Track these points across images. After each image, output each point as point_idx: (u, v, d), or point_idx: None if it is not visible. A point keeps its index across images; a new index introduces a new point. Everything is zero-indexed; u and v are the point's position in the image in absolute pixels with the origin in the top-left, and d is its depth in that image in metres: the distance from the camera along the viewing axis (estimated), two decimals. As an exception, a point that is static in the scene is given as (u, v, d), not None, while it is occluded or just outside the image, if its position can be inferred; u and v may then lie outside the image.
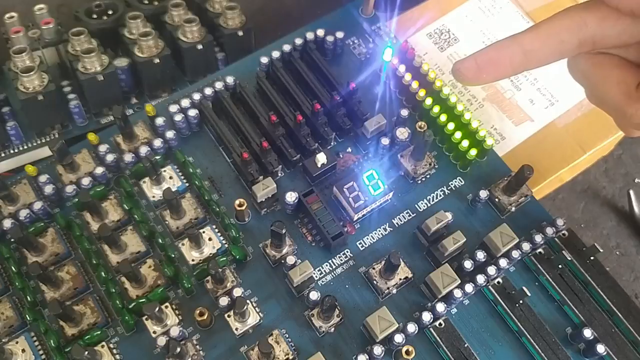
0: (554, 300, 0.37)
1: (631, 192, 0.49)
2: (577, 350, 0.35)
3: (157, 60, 0.42)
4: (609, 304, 0.36)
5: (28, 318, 0.34)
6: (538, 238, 0.37)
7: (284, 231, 0.34)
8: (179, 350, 0.31)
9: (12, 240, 0.35)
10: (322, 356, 0.33)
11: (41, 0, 0.48)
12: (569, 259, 0.36)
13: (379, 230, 0.38)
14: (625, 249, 0.49)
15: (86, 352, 0.31)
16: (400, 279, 0.36)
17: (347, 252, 0.38)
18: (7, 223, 0.36)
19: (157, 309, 0.32)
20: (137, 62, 0.42)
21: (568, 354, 0.35)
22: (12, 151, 0.42)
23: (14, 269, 0.35)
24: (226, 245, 0.37)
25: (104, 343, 0.34)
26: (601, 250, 0.36)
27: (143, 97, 0.45)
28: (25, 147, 0.42)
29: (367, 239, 0.38)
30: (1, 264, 0.36)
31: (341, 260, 0.37)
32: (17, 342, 0.34)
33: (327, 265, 0.37)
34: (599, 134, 0.45)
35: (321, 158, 0.38)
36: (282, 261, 0.36)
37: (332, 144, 0.41)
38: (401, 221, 0.39)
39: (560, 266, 0.37)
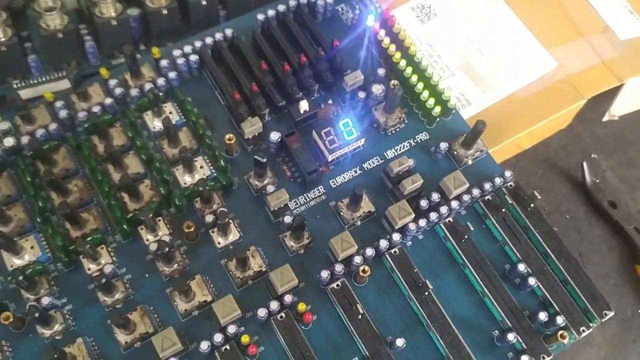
0: (496, 241, 0.42)
1: (584, 163, 0.54)
2: (514, 285, 0.41)
3: (165, 12, 0.47)
4: (544, 246, 0.41)
5: (38, 220, 0.39)
6: (487, 186, 0.42)
7: (265, 160, 0.39)
8: (168, 251, 0.37)
9: (29, 154, 0.41)
10: (290, 267, 0.38)
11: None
12: (512, 203, 0.42)
13: (350, 172, 0.44)
14: (575, 215, 0.54)
15: (88, 246, 0.36)
16: (364, 212, 0.41)
17: (321, 188, 0.43)
18: (25, 139, 0.41)
19: (150, 215, 0.37)
20: (147, 12, 0.47)
21: (504, 285, 0.40)
22: (32, 81, 0.47)
23: (28, 178, 0.40)
24: (215, 173, 0.42)
25: (103, 246, 0.39)
26: (539, 197, 0.41)
27: (151, 45, 0.50)
28: (44, 79, 0.47)
29: (340, 178, 0.43)
30: (17, 175, 0.41)
31: (314, 194, 0.43)
32: (27, 240, 0.39)
33: (302, 197, 0.42)
34: (555, 106, 0.50)
35: (304, 105, 0.43)
36: (263, 191, 0.41)
37: (315, 95, 0.46)
38: (370, 166, 0.44)
39: (503, 210, 0.42)
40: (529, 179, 0.55)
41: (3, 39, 0.43)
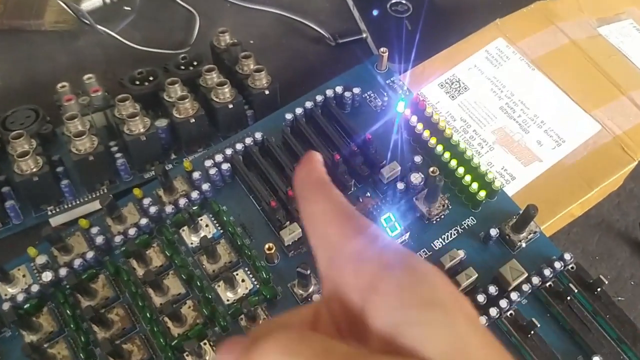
0: (565, 330, 0.39)
1: (643, 224, 0.51)
2: (590, 378, 0.38)
3: (193, 120, 0.47)
4: (617, 332, 0.38)
5: (82, 356, 0.38)
6: (547, 272, 0.39)
7: (309, 272, 0.38)
8: (217, 382, 0.35)
9: (68, 286, 0.40)
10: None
11: (88, 69, 0.54)
12: (577, 290, 0.39)
13: (398, 269, 0.42)
14: (641, 280, 0.50)
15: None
16: (418, 314, 0.39)
17: (369, 289, 0.41)
18: (63, 271, 0.40)
19: (196, 345, 0.36)
20: (175, 122, 0.47)
21: (580, 381, 0.37)
22: (65, 206, 0.47)
23: (69, 312, 0.39)
24: (257, 286, 0.40)
25: (150, 378, 0.37)
26: (606, 282, 0.38)
27: (181, 152, 0.50)
28: (78, 202, 0.47)
29: (387, 277, 0.41)
30: (57, 308, 0.40)
31: (363, 297, 0.41)
32: (73, 379, 0.38)
33: (350, 302, 0.40)
34: (605, 171, 0.47)
35: (342, 203, 0.42)
36: (309, 299, 0.39)
37: (352, 189, 0.45)
38: (418, 259, 0.42)
39: (569, 298, 0.39)
40: (585, 246, 0.52)
41: (35, 169, 0.43)
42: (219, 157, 0.44)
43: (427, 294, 0.18)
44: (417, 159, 0.44)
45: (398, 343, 0.17)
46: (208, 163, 0.44)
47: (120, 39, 0.58)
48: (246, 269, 0.41)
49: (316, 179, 0.22)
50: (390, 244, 0.19)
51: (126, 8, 0.64)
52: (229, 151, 0.45)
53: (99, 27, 0.57)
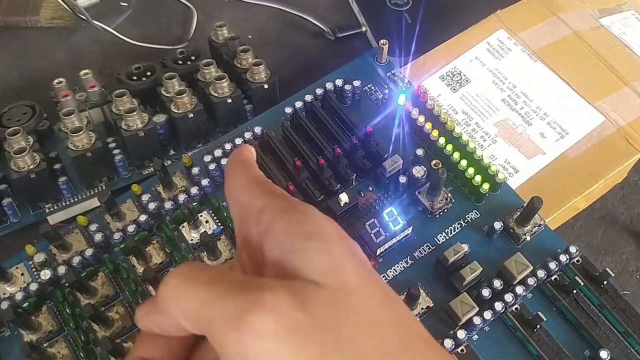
0: (571, 324, 0.38)
1: (648, 217, 0.50)
2: (597, 372, 0.37)
3: (191, 115, 0.46)
4: (624, 326, 0.37)
5: (82, 355, 0.38)
6: (552, 265, 0.39)
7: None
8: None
9: (67, 284, 0.39)
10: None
11: (85, 65, 0.53)
12: (583, 284, 0.38)
13: (401, 263, 0.41)
14: (646, 273, 0.50)
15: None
16: (422, 309, 0.38)
17: (372, 284, 0.40)
18: (62, 269, 0.39)
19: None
20: (173, 118, 0.47)
21: (587, 375, 0.36)
22: (63, 204, 0.46)
23: (68, 311, 0.39)
24: (259, 282, 0.40)
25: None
26: (612, 274, 0.38)
27: (180, 148, 0.49)
28: (76, 199, 0.46)
29: (390, 271, 0.41)
30: (56, 307, 0.40)
31: (366, 292, 0.40)
32: (72, 378, 0.37)
33: (353, 297, 0.40)
34: (609, 162, 0.47)
35: (344, 197, 0.41)
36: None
37: (353, 184, 0.44)
38: (421, 254, 0.41)
39: (575, 291, 0.38)
40: (589, 239, 0.51)
41: (32, 166, 0.43)
42: (218, 152, 0.44)
43: (311, 228, 0.21)
44: (419, 152, 0.43)
45: (284, 270, 0.20)
46: (207, 158, 0.43)
47: (117, 34, 0.57)
48: (247, 265, 0.40)
49: (238, 160, 0.25)
50: (290, 198, 0.22)
51: (123, 4, 0.63)
52: (228, 146, 0.44)
53: (95, 22, 0.57)
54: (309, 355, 0.18)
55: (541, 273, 0.39)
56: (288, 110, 0.45)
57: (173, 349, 0.23)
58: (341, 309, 0.19)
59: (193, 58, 0.52)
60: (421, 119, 0.44)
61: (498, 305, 0.37)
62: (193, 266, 0.21)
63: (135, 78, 0.50)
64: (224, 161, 0.43)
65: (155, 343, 0.23)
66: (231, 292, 0.19)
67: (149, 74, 0.50)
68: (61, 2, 0.57)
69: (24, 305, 0.39)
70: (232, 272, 0.21)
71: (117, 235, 0.41)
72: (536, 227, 0.41)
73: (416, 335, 0.21)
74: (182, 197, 0.42)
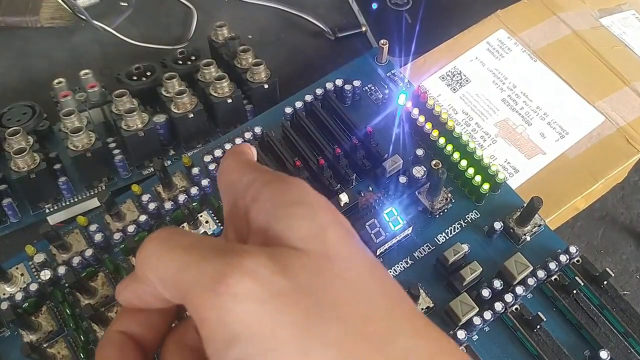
0: (571, 325, 0.38)
1: (648, 217, 0.50)
2: (597, 372, 0.37)
3: (191, 115, 0.46)
4: (625, 326, 0.37)
5: (82, 356, 0.38)
6: (552, 265, 0.39)
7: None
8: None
9: (67, 285, 0.39)
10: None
11: (85, 65, 0.53)
12: (583, 284, 0.38)
13: (401, 264, 0.41)
14: (646, 273, 0.50)
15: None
16: (422, 309, 0.38)
17: (372, 285, 0.40)
18: (62, 269, 0.39)
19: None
20: (173, 118, 0.47)
21: (587, 375, 0.36)
22: (63, 204, 0.46)
23: (68, 311, 0.39)
24: (259, 283, 0.40)
25: (150, 376, 0.37)
26: (612, 275, 0.38)
27: (180, 148, 0.49)
28: (76, 199, 0.46)
29: (390, 272, 0.41)
30: (56, 307, 0.40)
31: (366, 292, 0.40)
32: (72, 378, 0.37)
33: (353, 298, 0.40)
34: (609, 163, 0.47)
35: (344, 198, 0.41)
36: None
37: (353, 184, 0.44)
38: (421, 254, 0.41)
39: (575, 291, 0.38)
40: (589, 240, 0.51)
41: (32, 167, 0.43)
42: (218, 153, 0.44)
43: (295, 196, 0.21)
44: (419, 152, 0.43)
45: (267, 237, 0.20)
46: (207, 158, 0.43)
47: (117, 34, 0.57)
48: (247, 265, 0.40)
49: (234, 150, 0.25)
50: (279, 173, 0.22)
51: (123, 3, 0.63)
52: (228, 146, 0.44)
53: (95, 22, 0.57)
54: (290, 320, 0.17)
55: (541, 273, 0.39)
56: (288, 110, 0.45)
57: (153, 323, 0.23)
58: (324, 275, 0.19)
59: (193, 58, 0.52)
60: (421, 119, 0.44)
61: (498, 306, 0.37)
62: (172, 230, 0.20)
63: (135, 78, 0.50)
64: (224, 161, 0.43)
65: (135, 316, 0.22)
66: (210, 257, 0.19)
67: (149, 74, 0.50)
68: (61, 2, 0.57)
69: (24, 305, 0.39)
70: (213, 238, 0.20)
71: (117, 236, 0.41)
72: (536, 227, 0.41)
73: (401, 304, 0.20)
74: (182, 198, 0.42)
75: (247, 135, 0.44)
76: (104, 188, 0.47)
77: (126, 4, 0.62)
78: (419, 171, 0.42)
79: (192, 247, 0.19)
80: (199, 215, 0.42)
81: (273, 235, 0.20)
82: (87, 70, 0.49)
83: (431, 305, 0.39)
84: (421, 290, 0.39)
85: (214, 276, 0.18)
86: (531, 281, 0.38)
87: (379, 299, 0.19)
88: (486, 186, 0.41)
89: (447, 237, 0.42)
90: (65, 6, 0.57)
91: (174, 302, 0.20)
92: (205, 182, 0.43)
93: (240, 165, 0.23)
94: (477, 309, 0.37)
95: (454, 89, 0.51)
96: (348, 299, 0.19)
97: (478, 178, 0.42)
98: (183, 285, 0.19)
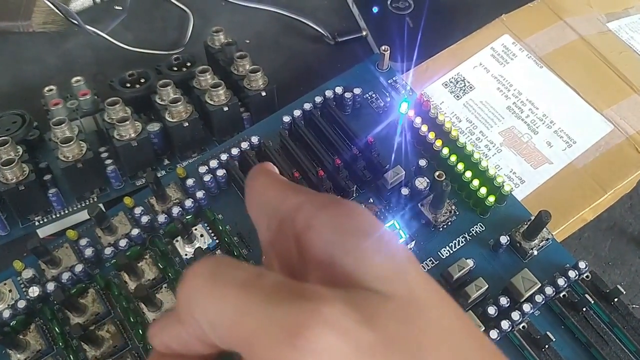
0: (580, 343, 0.37)
1: (658, 228, 0.49)
2: (608, 393, 0.36)
3: (186, 124, 0.45)
4: (636, 345, 0.36)
5: (72, 376, 0.36)
6: (561, 282, 0.37)
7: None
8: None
9: (56, 303, 0.38)
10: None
11: (77, 71, 0.52)
12: (592, 301, 0.37)
13: (404, 279, 0.39)
14: (656, 286, 0.48)
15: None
16: (425, 327, 0.37)
17: (373, 301, 0.39)
18: (51, 286, 0.38)
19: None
20: (167, 127, 0.45)
21: (598, 397, 0.35)
22: (54, 216, 0.45)
23: (57, 329, 0.37)
24: (256, 299, 0.38)
25: (142, 398, 0.35)
26: (624, 292, 0.36)
27: (174, 158, 0.48)
28: (67, 211, 0.45)
29: (392, 287, 0.39)
30: (45, 325, 0.38)
31: (367, 309, 0.38)
32: (61, 400, 0.36)
33: (354, 315, 0.38)
34: (618, 173, 0.45)
35: (344, 211, 0.40)
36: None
37: (354, 195, 0.42)
38: (425, 269, 0.40)
39: (584, 309, 0.37)
40: (597, 251, 0.50)
41: (21, 178, 0.41)
42: (213, 163, 0.42)
43: (361, 224, 0.18)
44: (422, 162, 0.42)
45: (334, 274, 0.17)
46: (202, 169, 0.42)
47: (111, 39, 0.56)
48: (243, 281, 0.39)
49: (260, 168, 0.23)
50: (324, 194, 0.20)
51: (117, 8, 0.61)
52: (224, 156, 0.42)
53: (88, 27, 0.55)
54: None
55: (549, 290, 0.37)
56: (286, 119, 0.44)
57: None
58: (415, 323, 0.16)
59: (188, 64, 0.50)
60: (424, 128, 0.43)
61: (505, 324, 0.36)
62: (220, 261, 0.17)
63: (128, 85, 0.48)
64: (219, 172, 0.42)
65: None
66: (277, 300, 0.15)
67: (142, 81, 0.49)
68: (53, 6, 0.55)
69: (11, 323, 0.37)
70: (271, 273, 0.17)
71: (108, 250, 0.39)
72: (544, 241, 0.40)
73: (487, 348, 0.18)
74: (176, 210, 0.41)
75: (244, 144, 0.43)
76: (95, 200, 0.45)
77: (120, 8, 0.61)
78: (421, 183, 0.41)
79: (251, 285, 0.16)
80: (194, 228, 0.40)
81: (342, 272, 0.17)
82: (78, 78, 0.48)
83: (435, 323, 0.37)
84: (424, 308, 0.37)
85: (288, 326, 0.15)
86: (539, 298, 0.37)
87: (470, 344, 0.17)
88: (492, 198, 0.40)
89: (451, 251, 0.40)
90: (58, 11, 0.56)
91: (224, 349, 0.17)
92: (200, 194, 0.41)
93: (277, 184, 0.21)
94: (483, 328, 0.36)
95: (458, 96, 0.49)
96: (442, 348, 0.16)
97: (483, 190, 0.40)
98: (244, 333, 0.16)
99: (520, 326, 0.37)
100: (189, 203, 0.41)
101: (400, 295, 0.17)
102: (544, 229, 0.39)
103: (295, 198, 0.20)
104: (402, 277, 0.17)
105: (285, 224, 0.19)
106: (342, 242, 0.18)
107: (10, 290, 0.39)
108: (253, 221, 0.22)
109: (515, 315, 0.36)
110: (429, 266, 0.40)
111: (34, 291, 0.38)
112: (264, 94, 0.47)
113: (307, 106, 0.44)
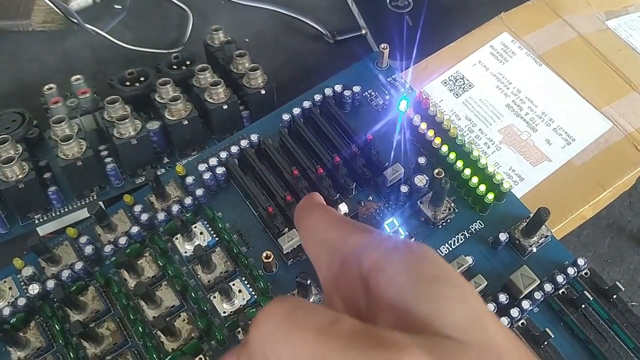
0: (579, 340, 0.37)
1: (657, 225, 0.49)
2: (607, 390, 0.36)
3: (185, 122, 0.45)
4: (634, 341, 0.36)
5: (72, 374, 0.36)
6: (560, 279, 0.37)
7: (309, 282, 0.35)
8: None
9: (56, 300, 0.38)
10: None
11: (77, 70, 0.52)
12: (591, 298, 0.37)
13: (403, 276, 0.39)
14: (655, 283, 0.48)
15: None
16: (424, 324, 0.37)
17: (372, 298, 0.39)
18: (51, 283, 0.38)
19: (190, 361, 0.34)
20: (167, 125, 0.45)
21: (597, 394, 0.35)
22: (54, 214, 0.45)
23: (57, 327, 0.37)
24: (255, 296, 0.38)
25: (142, 396, 0.35)
26: (622, 289, 0.36)
27: (174, 156, 0.48)
28: (66, 209, 0.45)
29: (392, 285, 0.39)
30: (45, 323, 0.38)
31: (367, 307, 0.38)
32: (61, 397, 0.36)
33: (353, 312, 0.38)
34: (617, 170, 0.45)
35: (343, 208, 0.40)
36: (310, 310, 0.37)
37: (353, 193, 0.42)
38: (424, 266, 0.40)
39: (583, 306, 0.37)
40: (596, 249, 0.50)
41: (20, 176, 0.41)
42: (213, 161, 0.42)
43: (435, 270, 0.18)
44: (421, 160, 0.42)
45: (409, 319, 0.17)
46: (202, 167, 0.42)
47: (111, 38, 0.56)
48: (243, 278, 0.39)
49: (312, 202, 0.22)
50: (390, 235, 0.20)
51: (116, 6, 0.61)
52: (223, 154, 0.42)
53: (88, 26, 0.55)
54: None
55: (548, 287, 0.37)
56: (286, 117, 0.44)
57: None
58: None
59: (188, 63, 0.50)
60: (423, 125, 0.43)
61: (504, 321, 0.36)
62: (294, 304, 0.17)
63: (128, 84, 0.48)
64: (219, 170, 0.42)
65: None
66: (356, 346, 0.15)
67: (142, 79, 0.49)
68: (53, 5, 0.55)
69: (11, 321, 0.37)
70: (348, 317, 0.16)
71: (108, 248, 0.39)
72: (543, 239, 0.40)
73: None
74: (175, 208, 0.41)
75: (243, 142, 0.43)
76: (95, 198, 0.45)
77: (120, 7, 0.61)
78: (421, 180, 0.41)
79: (329, 331, 0.16)
80: (193, 226, 0.40)
81: (417, 318, 0.17)
82: (78, 76, 0.48)
83: (434, 320, 0.37)
84: (424, 305, 0.37)
85: None
86: (538, 295, 0.37)
87: None
88: (491, 195, 0.40)
89: (451, 249, 0.40)
90: (57, 10, 0.56)
91: None
92: (199, 191, 0.41)
93: (337, 222, 0.21)
94: (482, 325, 0.36)
95: (457, 94, 0.50)
96: None
97: (482, 187, 0.40)
98: None
99: (520, 323, 0.37)
100: (188, 201, 0.41)
101: (479, 344, 0.16)
102: (543, 226, 0.39)
103: (359, 238, 0.19)
104: (480, 324, 0.17)
105: (349, 264, 0.19)
106: (417, 288, 0.17)
107: (10, 288, 0.39)
108: (311, 259, 0.21)
109: (515, 312, 0.36)
110: (428, 263, 0.40)
111: (34, 289, 0.38)
112: (263, 92, 0.47)
113: (307, 104, 0.44)
